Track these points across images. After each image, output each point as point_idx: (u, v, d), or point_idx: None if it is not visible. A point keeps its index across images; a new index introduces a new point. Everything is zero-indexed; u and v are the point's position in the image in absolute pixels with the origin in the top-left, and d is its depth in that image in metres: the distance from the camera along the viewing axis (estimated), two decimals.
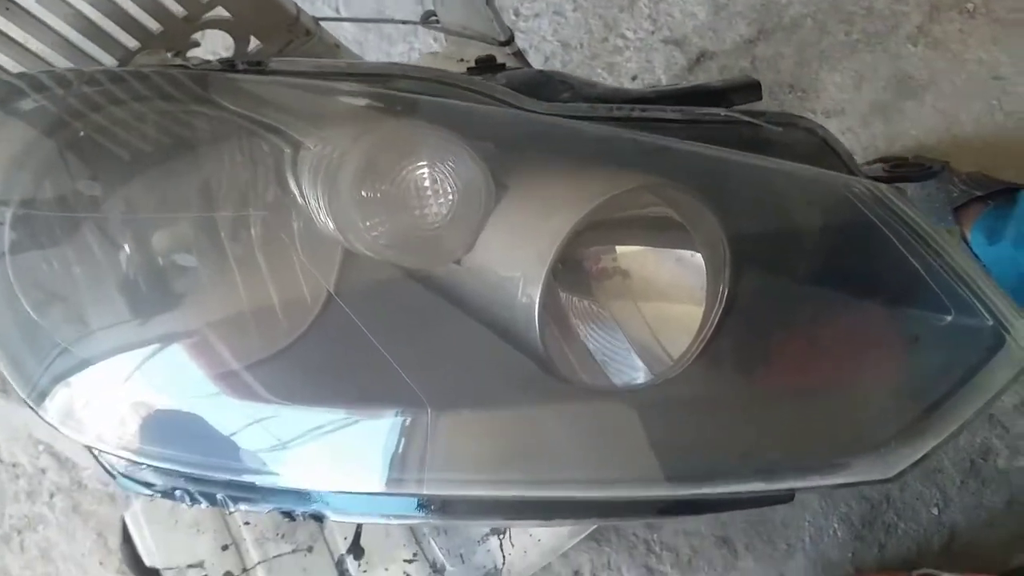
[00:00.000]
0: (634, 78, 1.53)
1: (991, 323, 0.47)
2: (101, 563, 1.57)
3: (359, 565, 0.77)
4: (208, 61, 0.63)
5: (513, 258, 0.56)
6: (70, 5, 0.75)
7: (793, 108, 1.47)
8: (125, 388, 0.69)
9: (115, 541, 1.57)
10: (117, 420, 0.70)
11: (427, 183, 0.59)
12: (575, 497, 0.52)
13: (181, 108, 0.65)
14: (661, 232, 0.63)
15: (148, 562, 0.83)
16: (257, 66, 0.61)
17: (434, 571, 0.75)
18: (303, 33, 0.89)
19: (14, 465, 1.65)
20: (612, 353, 0.63)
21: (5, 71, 0.74)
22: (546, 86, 0.60)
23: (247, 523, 0.82)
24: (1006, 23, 1.41)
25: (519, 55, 0.84)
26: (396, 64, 0.59)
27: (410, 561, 0.76)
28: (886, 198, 0.48)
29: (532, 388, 0.55)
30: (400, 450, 0.51)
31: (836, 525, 1.30)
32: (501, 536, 0.75)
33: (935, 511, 1.29)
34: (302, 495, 0.55)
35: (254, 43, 0.88)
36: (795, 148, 0.54)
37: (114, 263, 0.66)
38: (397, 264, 0.61)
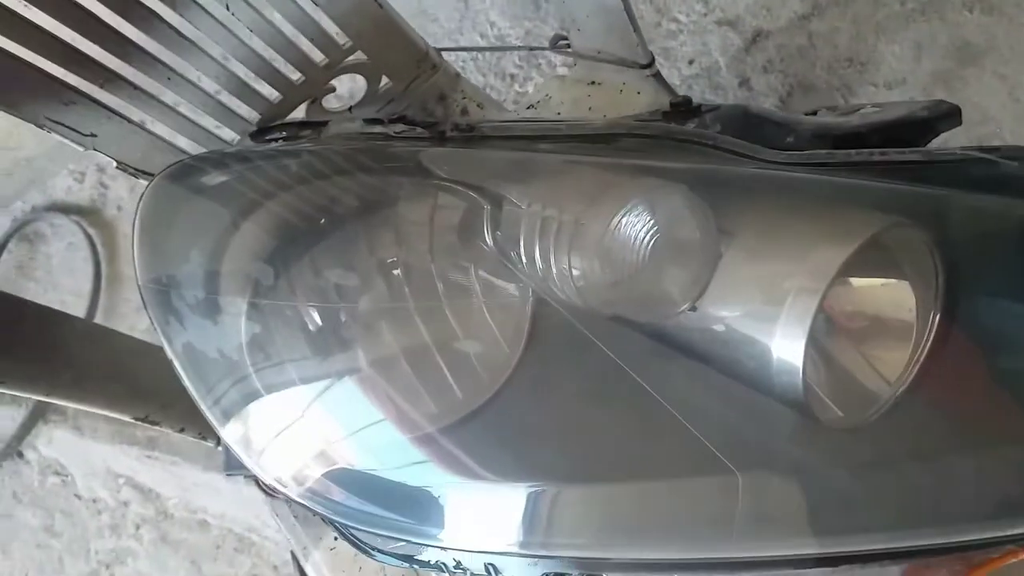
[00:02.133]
0: (691, 62, 1.52)
1: None
2: None
3: None
4: (412, 126, 0.63)
5: (764, 303, 0.57)
6: (223, 66, 0.73)
7: (853, 82, 1.48)
8: (327, 443, 0.70)
9: (209, 568, 1.58)
10: (317, 475, 0.70)
11: (652, 235, 0.59)
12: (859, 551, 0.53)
13: (385, 179, 0.64)
14: (867, 260, 0.64)
15: None
16: (469, 132, 0.61)
17: None
18: (430, 67, 0.88)
19: (94, 500, 1.64)
20: (834, 387, 0.64)
21: (172, 145, 0.73)
22: (763, 128, 0.60)
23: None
24: None
25: (658, 76, 0.84)
26: (619, 123, 0.59)
27: None
28: None
29: (792, 433, 0.56)
30: (702, 514, 0.53)
31: None
32: None
33: None
34: (578, 559, 0.57)
35: (384, 80, 0.86)
36: None
37: (306, 320, 0.66)
38: (624, 316, 0.62)
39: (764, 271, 0.57)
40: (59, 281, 1.78)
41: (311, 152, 0.64)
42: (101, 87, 0.68)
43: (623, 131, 0.58)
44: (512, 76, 1.59)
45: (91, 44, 0.65)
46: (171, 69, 0.70)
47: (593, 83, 0.87)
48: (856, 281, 0.64)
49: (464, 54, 1.59)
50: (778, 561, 0.51)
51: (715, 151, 0.57)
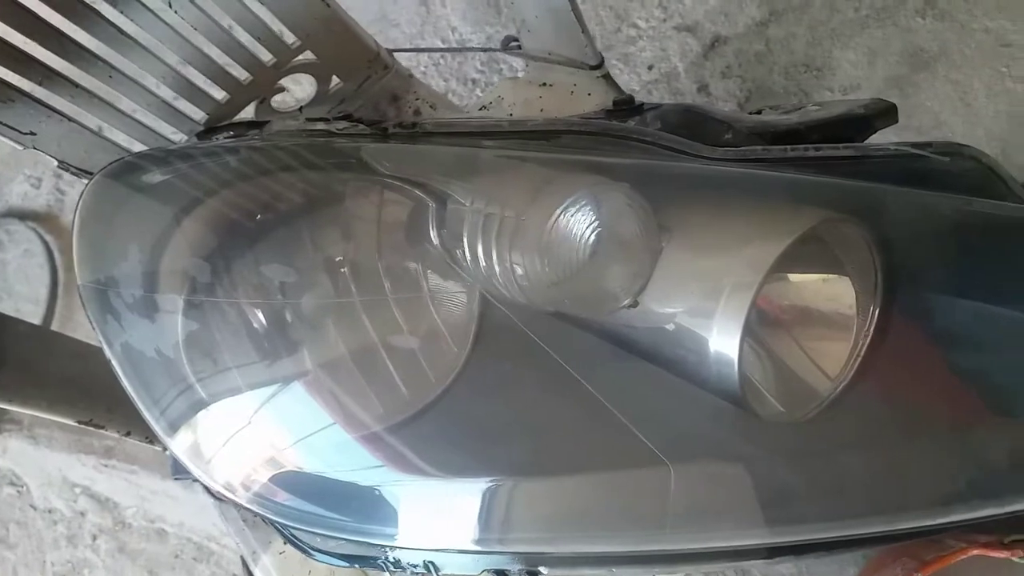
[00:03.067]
0: (650, 67, 1.54)
1: None
2: None
3: None
4: (354, 123, 0.62)
5: (698, 299, 0.57)
6: (167, 65, 0.73)
7: (810, 87, 1.50)
8: (270, 445, 0.69)
9: None
10: (265, 484, 0.70)
11: (593, 232, 0.59)
12: (788, 543, 0.54)
13: (328, 176, 0.64)
14: (808, 256, 0.65)
15: None
16: (412, 128, 0.60)
17: None
18: (381, 68, 0.88)
19: (50, 511, 1.61)
20: (775, 383, 0.64)
21: (116, 145, 0.72)
22: (703, 125, 0.61)
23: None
24: None
25: (608, 77, 0.84)
26: (559, 120, 0.59)
27: None
28: None
29: (731, 429, 0.57)
30: (631, 508, 0.53)
31: None
32: None
33: None
34: (519, 554, 0.56)
35: (335, 81, 0.86)
36: (962, 177, 0.56)
37: (251, 322, 0.65)
38: (568, 312, 0.62)
39: (701, 266, 0.58)
40: (15, 288, 1.75)
41: (251, 148, 0.63)
42: (40, 84, 0.67)
43: (563, 128, 0.58)
44: (474, 81, 1.59)
45: (28, 41, 0.64)
46: (113, 67, 0.70)
47: (545, 84, 0.87)
48: (794, 276, 0.65)
49: (426, 59, 1.59)
50: (715, 553, 0.51)
51: (653, 147, 0.57)
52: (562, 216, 0.57)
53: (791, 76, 1.49)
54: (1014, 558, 0.99)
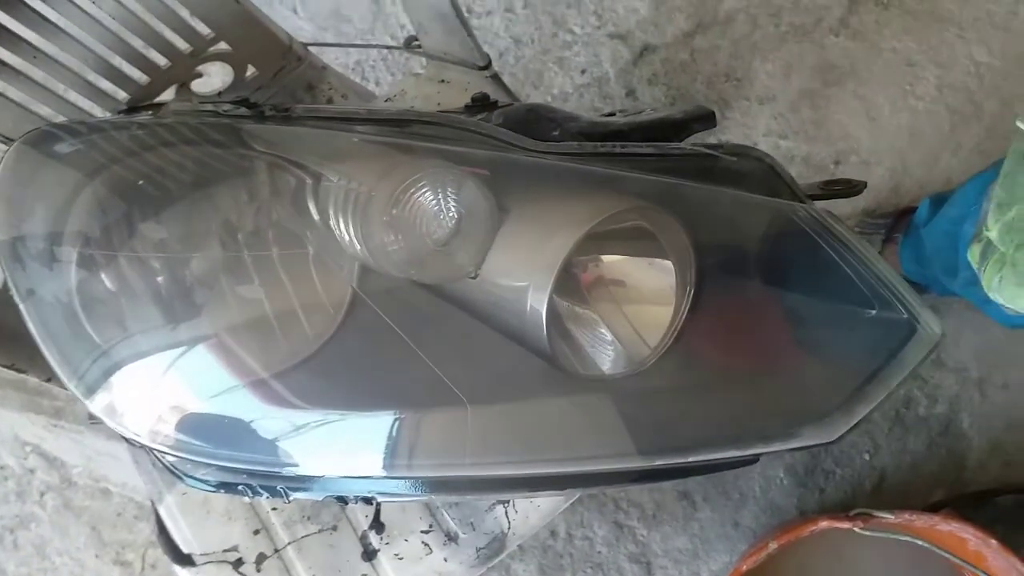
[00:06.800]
0: (583, 71, 1.63)
1: (905, 316, 0.60)
2: (97, 556, 1.64)
3: (381, 538, 0.87)
4: (238, 105, 0.72)
5: (521, 271, 0.67)
6: (89, 49, 0.82)
7: (729, 96, 1.60)
8: (168, 391, 0.78)
9: (109, 534, 1.65)
10: (161, 419, 0.78)
11: (436, 208, 0.69)
12: (581, 472, 0.63)
13: (211, 151, 0.73)
14: (637, 242, 0.74)
15: (186, 550, 0.92)
16: (285, 112, 0.70)
17: (449, 539, 0.86)
18: (295, 60, 0.97)
19: (1, 467, 1.69)
20: (600, 348, 0.74)
21: (42, 118, 0.81)
22: (537, 124, 0.70)
23: (274, 508, 0.92)
24: (916, 14, 1.56)
25: (496, 77, 0.94)
26: (411, 110, 0.68)
27: (427, 532, 0.87)
28: (824, 220, 0.60)
29: (539, 381, 0.66)
30: (442, 440, 0.62)
31: (782, 475, 1.46)
32: (506, 504, 0.86)
33: (867, 457, 1.46)
34: (354, 483, 0.66)
35: (251, 70, 0.95)
36: (748, 174, 0.66)
37: (150, 282, 0.74)
38: (417, 280, 0.71)
39: (523, 244, 0.67)
40: None
41: (155, 124, 0.72)
42: None
43: (413, 118, 0.68)
44: (418, 75, 1.68)
45: None
46: (36, 49, 0.79)
47: (443, 81, 0.96)
48: (621, 257, 0.75)
49: (376, 55, 1.68)
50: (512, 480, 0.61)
51: (488, 139, 0.67)
52: (404, 194, 0.66)
53: (712, 85, 1.59)
54: (855, 528, 1.09)
